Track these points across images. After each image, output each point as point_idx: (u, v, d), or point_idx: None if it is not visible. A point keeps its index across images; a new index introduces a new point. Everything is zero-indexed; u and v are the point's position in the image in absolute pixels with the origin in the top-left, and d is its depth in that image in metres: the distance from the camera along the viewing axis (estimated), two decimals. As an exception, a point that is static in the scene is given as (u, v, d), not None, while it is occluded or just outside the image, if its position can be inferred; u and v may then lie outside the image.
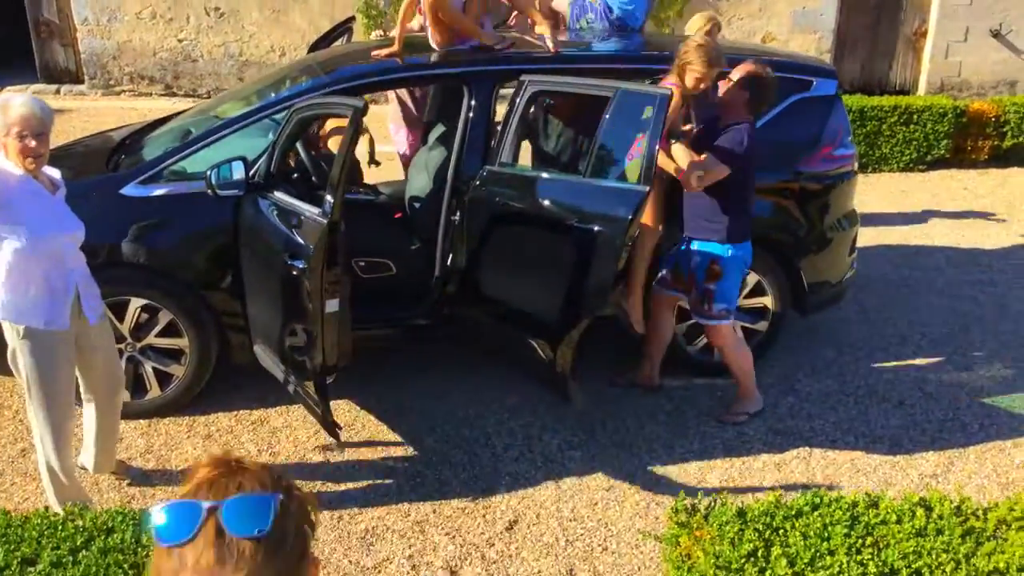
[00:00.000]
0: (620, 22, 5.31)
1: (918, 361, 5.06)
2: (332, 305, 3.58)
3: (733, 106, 4.07)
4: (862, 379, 4.85)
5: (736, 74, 4.06)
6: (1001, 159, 8.74)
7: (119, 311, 4.19)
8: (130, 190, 4.22)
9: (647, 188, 3.53)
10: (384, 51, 4.53)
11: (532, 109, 4.37)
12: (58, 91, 11.30)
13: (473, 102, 4.29)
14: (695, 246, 4.21)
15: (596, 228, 3.63)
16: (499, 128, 4.27)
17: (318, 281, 3.46)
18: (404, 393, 4.64)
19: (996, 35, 11.26)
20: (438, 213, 4.45)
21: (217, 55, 11.26)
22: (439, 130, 5.11)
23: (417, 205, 4.84)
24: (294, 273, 3.61)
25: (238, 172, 4.03)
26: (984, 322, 5.54)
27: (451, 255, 4.36)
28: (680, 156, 4.01)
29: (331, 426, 3.79)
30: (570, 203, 3.82)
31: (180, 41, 11.28)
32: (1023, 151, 8.66)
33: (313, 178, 4.38)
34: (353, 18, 5.92)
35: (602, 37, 5.30)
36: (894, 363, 5.03)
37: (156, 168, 4.27)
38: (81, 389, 3.66)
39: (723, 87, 4.11)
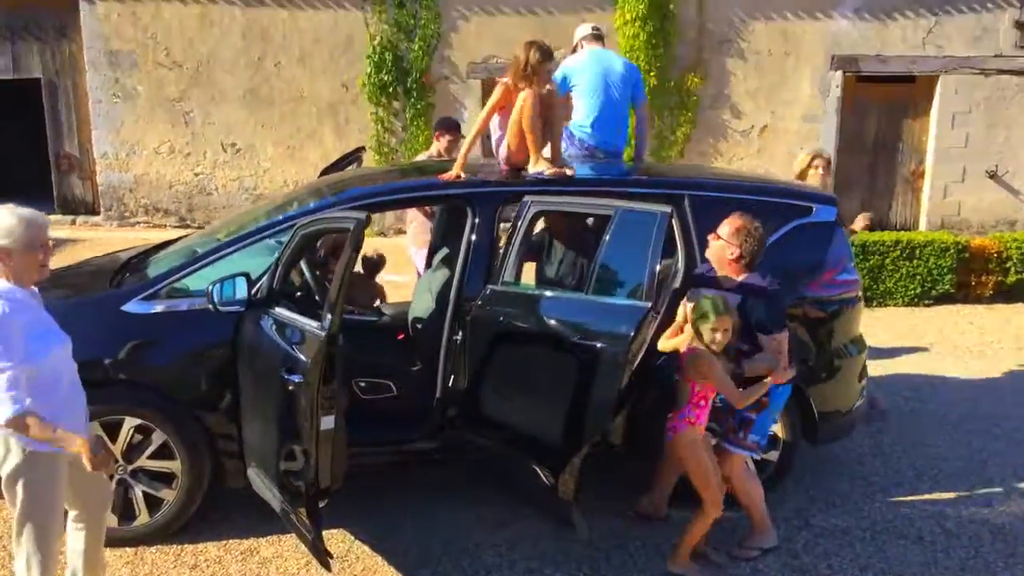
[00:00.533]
0: (597, 149, 5.42)
1: (936, 496, 4.86)
2: (327, 422, 3.48)
3: (724, 262, 3.99)
4: (879, 514, 4.65)
5: (723, 229, 4.00)
6: (1006, 295, 8.75)
7: (112, 431, 4.09)
8: (131, 307, 4.20)
9: (649, 304, 3.49)
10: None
11: (534, 229, 4.38)
12: (73, 221, 11.55)
13: (477, 221, 4.32)
14: None
15: (599, 345, 3.57)
16: (502, 248, 4.28)
17: (314, 395, 3.37)
18: (401, 521, 4.45)
19: (992, 176, 11.53)
20: (440, 333, 4.41)
21: (232, 188, 11.55)
22: (443, 252, 5.14)
23: (420, 326, 4.80)
24: (290, 388, 3.53)
25: (240, 288, 4.02)
26: (1001, 456, 5.37)
27: (453, 376, 4.29)
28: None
29: (322, 555, 3.60)
30: (572, 321, 3.77)
31: (196, 175, 11.60)
32: (1028, 287, 8.68)
33: (316, 296, 4.36)
34: (363, 148, 6.07)
35: (591, 163, 5.38)
36: (911, 498, 4.83)
37: (158, 285, 4.27)
38: (68, 512, 3.46)
39: (712, 242, 4.03)
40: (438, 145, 6.60)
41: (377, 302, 5.63)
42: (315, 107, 11.41)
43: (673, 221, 3.95)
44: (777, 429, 4.59)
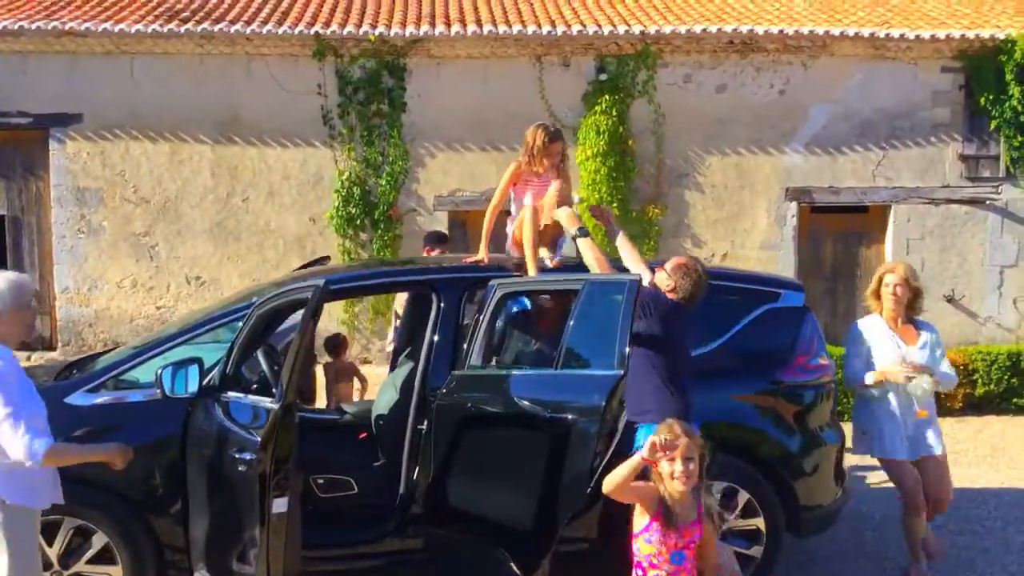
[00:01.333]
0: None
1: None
2: (279, 505, 3.26)
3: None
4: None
5: (668, 264, 4.03)
6: (976, 407, 8.71)
7: (49, 534, 3.80)
8: (75, 398, 4.00)
9: (621, 372, 3.38)
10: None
11: (500, 313, 4.29)
12: (29, 357, 11.23)
13: (442, 305, 4.23)
14: None
15: (570, 418, 3.43)
16: (468, 334, 4.17)
17: (266, 471, 3.16)
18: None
19: (950, 300, 11.74)
20: (404, 426, 4.22)
21: (193, 322, 11.39)
22: (407, 352, 5.02)
23: (382, 422, 4.61)
24: (240, 469, 3.32)
25: (192, 374, 3.83)
26: (989, 555, 5.16)
27: (418, 468, 4.08)
28: None
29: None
30: (542, 397, 3.64)
31: (158, 308, 11.46)
32: (995, 399, 8.66)
33: (273, 387, 4.19)
34: (327, 257, 6.03)
35: None
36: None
37: (105, 376, 4.10)
38: None
39: (657, 272, 4.04)
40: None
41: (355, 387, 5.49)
42: (282, 240, 11.46)
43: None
44: (759, 523, 4.39)
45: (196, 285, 11.45)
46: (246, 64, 11.23)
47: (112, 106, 11.14)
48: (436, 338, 4.21)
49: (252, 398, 3.49)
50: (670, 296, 3.95)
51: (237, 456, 3.34)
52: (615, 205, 11.27)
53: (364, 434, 4.72)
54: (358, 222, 11.37)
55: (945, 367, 4.81)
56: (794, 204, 11.72)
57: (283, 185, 11.45)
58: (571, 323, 3.68)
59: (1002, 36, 11.22)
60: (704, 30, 11.13)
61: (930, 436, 4.69)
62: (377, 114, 11.36)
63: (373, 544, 4.14)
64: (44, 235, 11.49)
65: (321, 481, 4.29)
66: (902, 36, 11.19)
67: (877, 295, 4.92)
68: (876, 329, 4.81)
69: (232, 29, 10.86)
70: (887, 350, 4.70)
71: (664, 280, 3.98)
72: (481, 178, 11.40)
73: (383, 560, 4.15)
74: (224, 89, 11.23)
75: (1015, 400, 8.83)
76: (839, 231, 11.99)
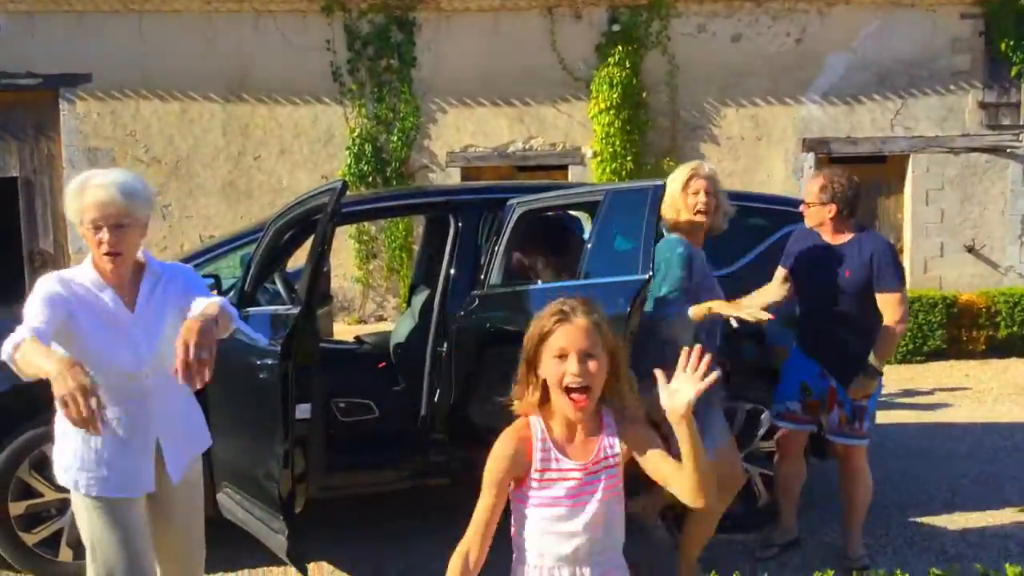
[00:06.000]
0: None
1: (955, 516, 4.56)
2: (303, 410, 3.20)
3: (828, 226, 3.90)
4: (897, 532, 4.34)
5: (809, 194, 3.91)
6: (999, 349, 8.62)
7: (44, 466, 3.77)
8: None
9: (646, 276, 3.31)
10: None
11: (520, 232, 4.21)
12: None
13: (460, 225, 4.16)
14: None
15: (594, 324, 3.35)
16: (487, 255, 4.11)
17: (287, 375, 3.10)
18: (380, 557, 4.09)
19: (971, 250, 11.59)
20: (423, 352, 4.17)
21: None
22: (424, 283, 4.96)
23: (401, 350, 4.57)
24: (263, 376, 3.27)
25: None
26: (1018, 480, 5.09)
27: (439, 390, 4.03)
28: None
29: (298, 560, 3.25)
30: (564, 307, 3.56)
31: (172, 268, 11.44)
32: (1018, 340, 8.56)
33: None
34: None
35: None
36: (929, 518, 4.53)
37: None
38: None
39: (806, 212, 3.93)
40: None
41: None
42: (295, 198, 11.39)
43: None
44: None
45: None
46: (254, 21, 11.12)
47: (121, 65, 11.05)
48: (454, 260, 4.14)
49: (272, 308, 3.44)
50: (840, 223, 3.90)
51: (259, 364, 3.29)
52: (629, 159, 11.16)
53: (383, 363, 4.68)
54: (370, 179, 11.29)
55: None
56: (811, 155, 11.56)
57: (294, 143, 11.37)
58: (594, 232, 3.61)
59: (1023, -21, 11.00)
60: (718, -23, 10.96)
61: None
62: (387, 69, 11.25)
63: (394, 466, 4.10)
64: (57, 196, 11.44)
65: (342, 405, 4.25)
66: (921, -19, 10.99)
67: None
68: None
69: (240, -16, 10.75)
70: None
71: (821, 212, 3.88)
72: (493, 133, 11.30)
73: (404, 482, 4.12)
74: (233, 46, 11.13)
75: (1038, 341, 8.73)
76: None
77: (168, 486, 2.65)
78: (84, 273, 2.55)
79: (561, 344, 1.97)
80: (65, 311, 2.43)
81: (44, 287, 2.48)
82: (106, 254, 2.48)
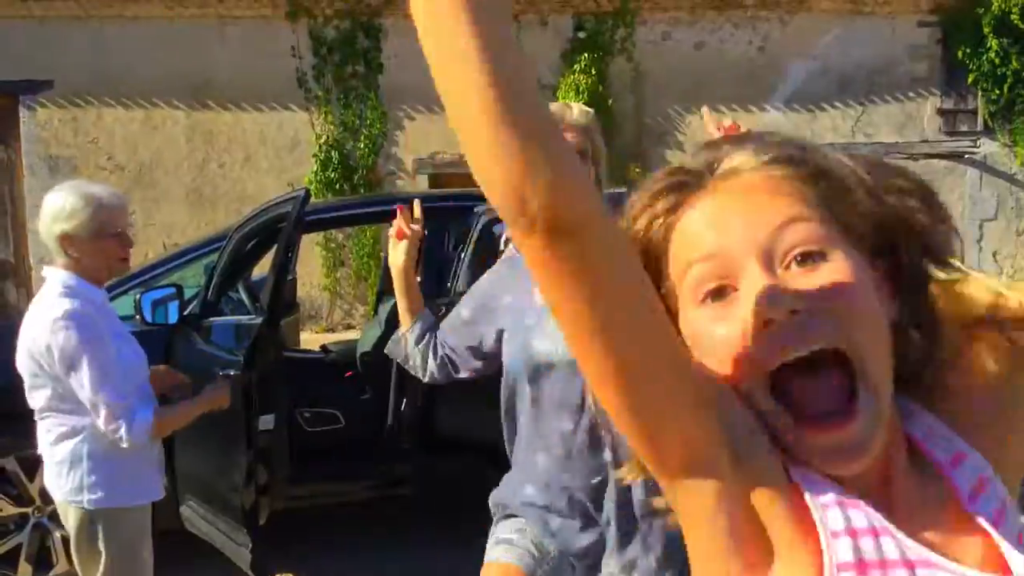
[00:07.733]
0: None
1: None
2: (266, 422, 3.19)
3: None
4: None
5: None
6: (959, 352, 8.77)
7: (29, 467, 3.71)
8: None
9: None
10: None
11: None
12: (4, 329, 11.08)
13: (426, 233, 4.15)
14: None
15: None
16: (453, 263, 4.12)
17: (251, 383, 3.09)
18: (353, 568, 4.06)
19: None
20: (390, 361, 4.15)
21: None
22: (391, 294, 4.94)
23: (368, 359, 4.55)
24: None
25: (172, 304, 3.75)
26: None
27: (405, 399, 4.03)
28: None
29: (261, 571, 3.23)
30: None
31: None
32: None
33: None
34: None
35: None
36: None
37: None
38: None
39: None
40: None
41: None
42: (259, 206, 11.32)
43: None
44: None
45: (171, 249, 11.30)
46: (218, 27, 11.04)
47: (82, 72, 10.92)
48: (421, 268, 4.14)
49: (235, 318, 3.41)
50: None
51: (221, 373, 3.26)
52: (596, 164, 11.23)
53: (350, 373, 4.66)
54: (337, 187, 11.24)
55: None
56: (774, 161, 11.71)
57: (259, 150, 11.30)
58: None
59: (979, -12, 11.24)
60: (682, -14, 11.08)
61: None
62: (354, 76, 11.22)
63: (360, 476, 4.09)
64: (17, 204, 11.28)
65: (308, 415, 4.23)
66: (879, -11, 11.19)
67: None
68: None
69: (203, -10, 10.67)
70: None
71: None
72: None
73: (371, 492, 4.11)
74: (196, 53, 11.04)
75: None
76: (820, 188, 12.01)
77: None
78: (90, 291, 2.54)
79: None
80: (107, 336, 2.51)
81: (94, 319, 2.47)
82: (124, 259, 2.63)
